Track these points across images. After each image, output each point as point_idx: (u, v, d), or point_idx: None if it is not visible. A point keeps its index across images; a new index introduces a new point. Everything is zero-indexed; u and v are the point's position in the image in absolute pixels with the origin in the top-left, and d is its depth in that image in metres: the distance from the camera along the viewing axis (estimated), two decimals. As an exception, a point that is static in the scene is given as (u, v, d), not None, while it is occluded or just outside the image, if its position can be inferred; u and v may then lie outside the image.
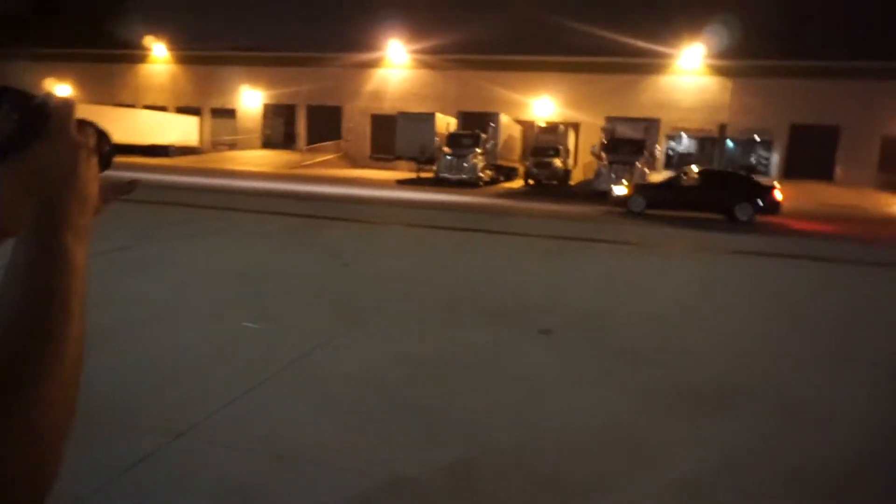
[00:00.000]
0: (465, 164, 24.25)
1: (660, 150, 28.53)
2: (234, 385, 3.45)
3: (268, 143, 41.05)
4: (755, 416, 3.42)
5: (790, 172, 33.31)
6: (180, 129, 39.67)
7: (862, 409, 3.59)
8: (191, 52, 41.66)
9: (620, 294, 6.17)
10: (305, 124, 40.78)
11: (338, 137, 39.59)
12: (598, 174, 21.61)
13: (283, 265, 6.79)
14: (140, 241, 7.61)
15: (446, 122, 28.24)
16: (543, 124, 29.87)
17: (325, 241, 8.56)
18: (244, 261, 6.85)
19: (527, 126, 33.12)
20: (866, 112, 32.47)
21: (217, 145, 41.52)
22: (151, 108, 39.15)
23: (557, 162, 26.75)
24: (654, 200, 15.70)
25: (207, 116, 42.54)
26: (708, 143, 35.89)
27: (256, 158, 35.01)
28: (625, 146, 22.77)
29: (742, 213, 14.96)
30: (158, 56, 43.12)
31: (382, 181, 26.39)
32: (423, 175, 28.23)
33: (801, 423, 3.36)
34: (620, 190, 16.28)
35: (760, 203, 15.00)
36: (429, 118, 28.24)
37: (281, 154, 36.93)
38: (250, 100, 41.55)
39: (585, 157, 31.17)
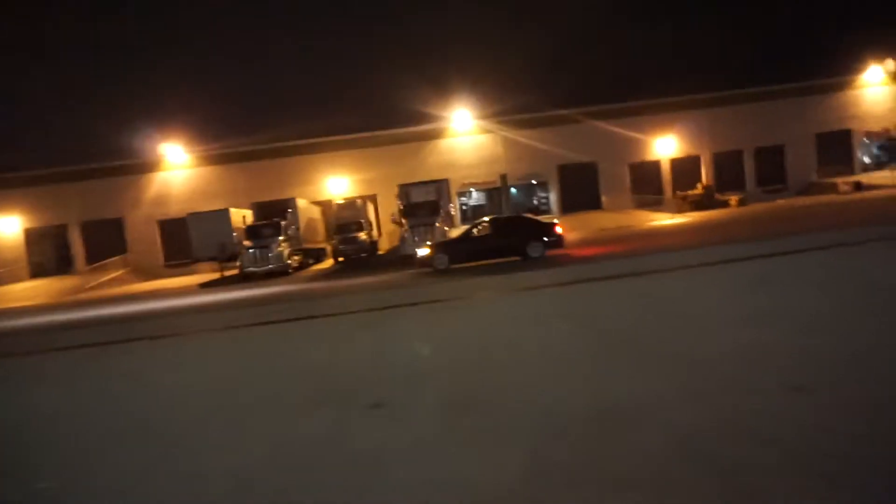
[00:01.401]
0: (269, 254, 23.70)
1: (454, 207, 30.50)
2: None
3: (39, 272, 36.23)
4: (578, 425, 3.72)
5: (567, 207, 37.73)
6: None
7: (657, 405, 4.10)
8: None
9: (439, 350, 6.39)
10: (82, 242, 36.86)
11: (123, 251, 36.34)
12: (402, 240, 22.36)
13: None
14: None
15: (242, 216, 27.50)
16: (341, 201, 30.37)
17: (123, 375, 7.70)
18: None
19: (325, 205, 33.53)
20: (615, 147, 38.29)
21: (-31, 283, 35.69)
22: None
23: (362, 235, 27.30)
24: (455, 255, 16.71)
25: (-49, 252, 36.63)
26: (494, 193, 39.25)
27: (26, 291, 30.62)
28: (422, 209, 23.94)
29: (533, 251, 16.46)
30: None
31: (183, 287, 24.63)
32: (228, 273, 26.97)
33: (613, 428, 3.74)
34: (423, 251, 17.14)
35: (546, 239, 16.62)
36: (222, 214, 27.30)
37: (57, 280, 32.77)
38: (6, 226, 36.60)
39: (388, 226, 32.31)
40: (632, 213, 34.56)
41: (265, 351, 7.73)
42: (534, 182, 39.43)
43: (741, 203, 34.98)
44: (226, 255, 26.80)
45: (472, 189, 39.01)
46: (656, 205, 36.84)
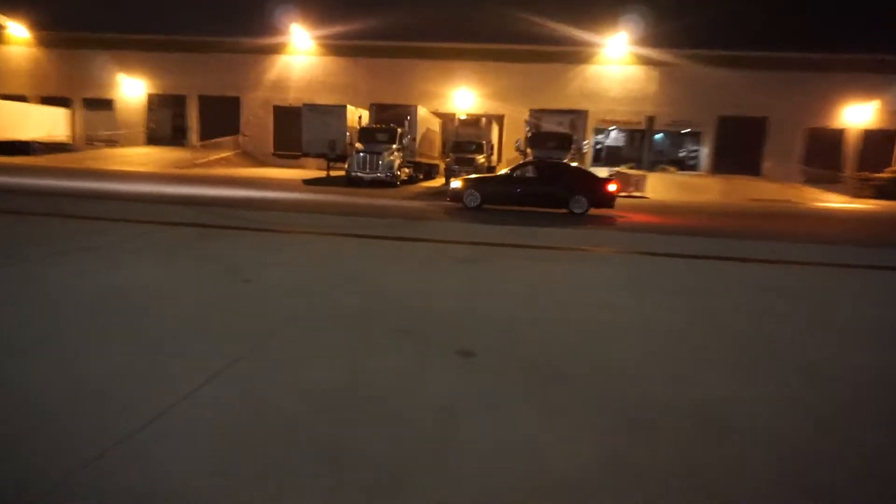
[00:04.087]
0: (380, 162, 24.15)
1: (588, 144, 29.47)
2: (107, 432, 3.23)
3: (153, 139, 39.36)
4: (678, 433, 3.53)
5: (719, 167, 35.35)
6: (45, 123, 37.25)
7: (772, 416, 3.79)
8: (58, 33, 39.32)
9: (536, 302, 6.26)
10: (198, 117, 39.40)
11: (236, 132, 38.53)
12: None
13: (172, 284, 6.45)
14: (-7, 259, 7.06)
15: (358, 115, 28.03)
16: (464, 117, 30.22)
17: (221, 255, 8.21)
18: (125, 281, 6.47)
19: (447, 119, 33.50)
20: (791, 104, 34.85)
21: (92, 141, 39.37)
22: (7, 98, 36.40)
23: (480, 158, 27.13)
24: (488, 195, 16.75)
25: (79, 108, 40.29)
26: (636, 135, 37.53)
27: (140, 156, 33.43)
28: (551, 140, 23.44)
29: (576, 205, 16.30)
30: (16, 36, 40.47)
31: (288, 181, 25.83)
32: (334, 173, 27.90)
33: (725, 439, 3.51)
34: (456, 184, 17.17)
35: (594, 196, 16.41)
36: (339, 111, 27.97)
37: (169, 151, 35.49)
38: (131, 89, 39.63)
39: (510, 153, 31.86)
40: (797, 187, 31.87)
41: (352, 268, 7.92)
42: (685, 131, 37.22)
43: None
44: (335, 153, 27.66)
45: (611, 127, 37.47)
46: (830, 182, 33.42)
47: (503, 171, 18.20)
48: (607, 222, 15.27)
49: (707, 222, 16.65)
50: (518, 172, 17.16)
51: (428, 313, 5.68)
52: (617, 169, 28.47)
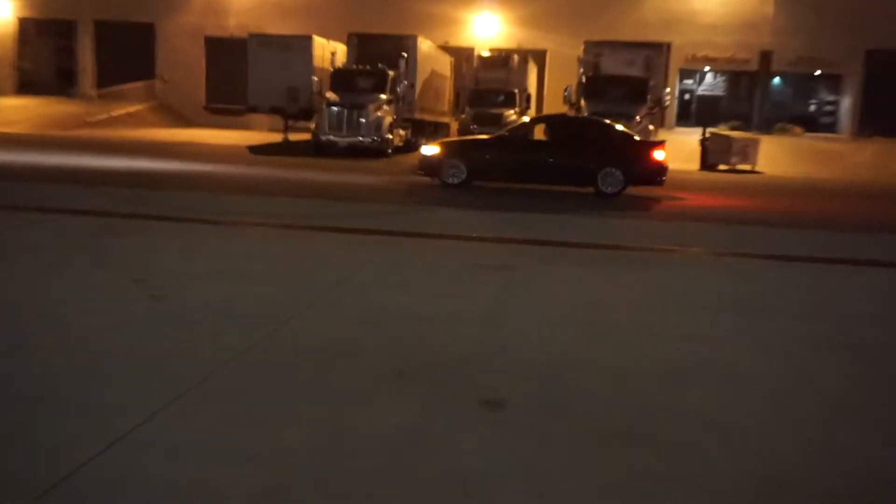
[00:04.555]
0: (362, 120, 24.04)
1: (670, 94, 29.26)
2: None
3: (27, 86, 39.27)
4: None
5: (866, 126, 34.96)
6: None
7: None
8: None
9: (597, 331, 6.23)
10: (94, 53, 39.43)
11: (150, 76, 38.44)
12: None
13: (53, 299, 6.42)
14: None
15: (330, 52, 27.85)
16: (487, 54, 30.06)
17: (124, 256, 8.20)
18: None
19: (461, 57, 33.16)
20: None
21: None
22: None
23: (511, 114, 26.99)
24: (478, 166, 16.65)
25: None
26: (744, 79, 37.29)
27: (7, 111, 33.50)
28: (617, 87, 23.32)
29: (607, 182, 16.12)
30: None
31: (226, 148, 25.86)
32: (295, 137, 27.88)
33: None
34: (430, 150, 17.16)
35: (633, 169, 16.24)
36: (301, 44, 27.98)
37: (52, 103, 35.56)
38: None
39: (555, 105, 31.56)
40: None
41: (323, 278, 7.85)
42: (817, 73, 36.96)
43: None
44: (296, 107, 27.60)
45: (706, 69, 37.18)
46: None
47: (501, 132, 18.08)
48: (663, 207, 15.22)
49: (839, 208, 16.50)
50: (520, 134, 17.31)
51: (437, 347, 5.56)
52: (714, 130, 28.19)
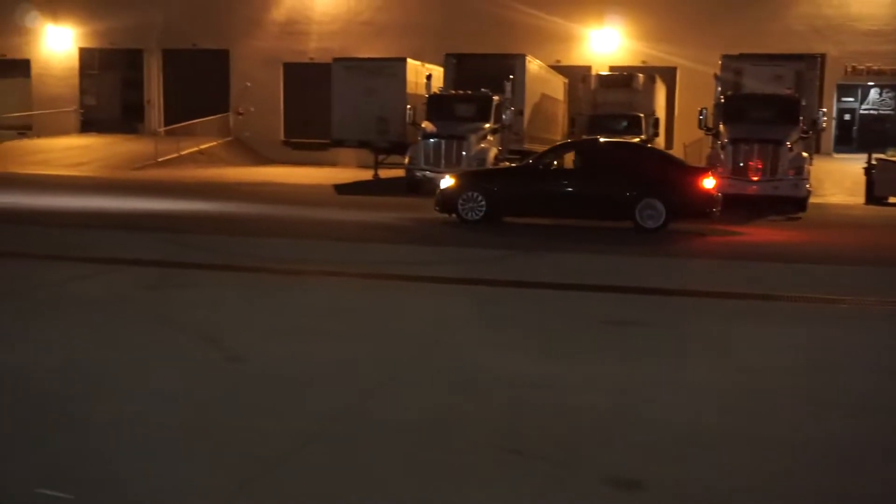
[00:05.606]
0: (463, 153, 23.32)
1: (827, 115, 27.44)
2: None
3: (91, 123, 38.71)
4: None
5: None
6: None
7: None
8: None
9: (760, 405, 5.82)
10: (161, 84, 38.81)
11: (223, 109, 37.69)
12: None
13: (112, 364, 6.25)
14: None
15: (425, 75, 27.34)
16: (607, 73, 29.35)
17: (195, 313, 8.28)
18: (29, 359, 6.35)
19: (577, 78, 32.14)
20: None
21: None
22: None
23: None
24: (501, 200, 16.10)
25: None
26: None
27: (71, 152, 33.55)
28: (762, 107, 22.39)
29: (648, 216, 15.33)
30: None
31: (309, 188, 25.91)
32: (386, 174, 27.57)
33: None
34: (447, 182, 16.62)
35: (676, 200, 15.56)
36: (393, 68, 27.95)
37: (119, 142, 35.45)
38: (56, 43, 38.77)
39: (688, 131, 30.01)
40: None
41: (419, 336, 7.74)
42: None
43: None
44: (386, 140, 27.23)
45: (870, 83, 35.12)
46: None
47: (526, 161, 17.71)
48: (732, 242, 15.02)
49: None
50: (547, 162, 16.79)
51: (555, 419, 5.33)
52: (882, 156, 26.25)
